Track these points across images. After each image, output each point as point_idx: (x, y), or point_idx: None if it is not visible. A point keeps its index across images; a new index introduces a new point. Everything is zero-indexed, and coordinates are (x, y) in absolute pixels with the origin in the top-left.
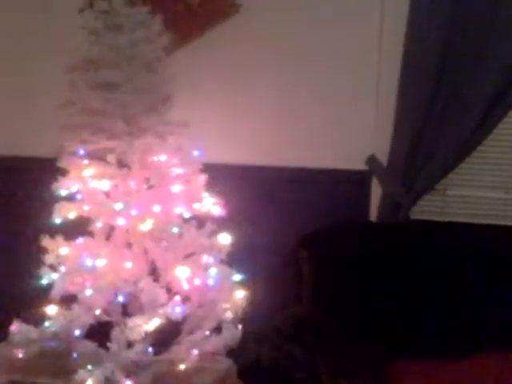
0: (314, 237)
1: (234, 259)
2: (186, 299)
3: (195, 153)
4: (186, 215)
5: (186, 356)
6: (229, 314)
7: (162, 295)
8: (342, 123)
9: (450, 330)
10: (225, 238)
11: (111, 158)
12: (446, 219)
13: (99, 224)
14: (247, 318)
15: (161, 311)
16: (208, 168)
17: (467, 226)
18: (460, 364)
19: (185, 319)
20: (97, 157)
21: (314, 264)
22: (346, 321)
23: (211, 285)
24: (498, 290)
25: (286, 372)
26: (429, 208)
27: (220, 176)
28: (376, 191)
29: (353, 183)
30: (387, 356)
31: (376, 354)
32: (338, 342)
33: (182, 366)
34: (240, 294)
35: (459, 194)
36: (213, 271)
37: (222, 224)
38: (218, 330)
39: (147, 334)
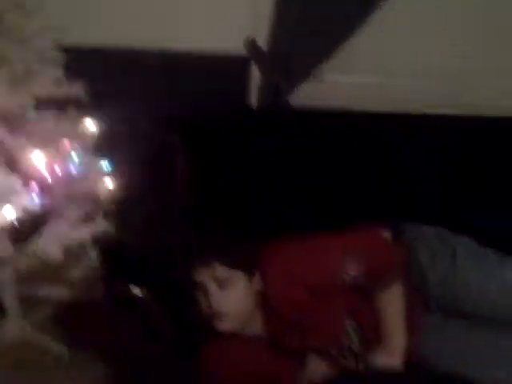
0: (187, 122)
1: (100, 147)
2: (48, 189)
3: None
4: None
5: (50, 249)
6: (97, 205)
7: (17, 184)
8: (220, 4)
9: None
10: (89, 125)
11: None
12: (325, 106)
13: None
14: (118, 208)
15: (16, 201)
16: (68, 49)
17: (345, 113)
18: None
19: (49, 211)
20: None
21: (186, 151)
22: (219, 207)
23: (75, 174)
24: (372, 174)
25: (153, 252)
26: (308, 94)
27: (82, 58)
28: (255, 77)
29: (231, 68)
30: (260, 240)
31: (248, 234)
32: (210, 225)
33: (47, 258)
34: (108, 184)
35: (338, 79)
36: (76, 159)
37: (85, 109)
38: (87, 221)
39: (4, 227)
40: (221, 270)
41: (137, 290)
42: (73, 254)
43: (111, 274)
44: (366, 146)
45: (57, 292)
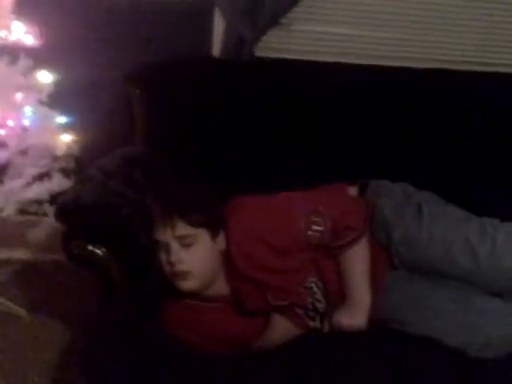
0: (146, 72)
1: (56, 100)
2: (1, 145)
3: None
4: None
5: (4, 207)
6: (54, 161)
7: None
8: None
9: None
10: (44, 76)
11: None
12: (291, 57)
13: None
14: (75, 164)
15: None
16: None
17: (312, 64)
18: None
19: (3, 167)
20: None
21: (146, 102)
22: (180, 162)
23: (30, 128)
24: (338, 126)
25: (111, 208)
26: (273, 45)
27: (37, 2)
28: (219, 25)
29: (193, 14)
30: (223, 194)
31: (210, 191)
32: (171, 182)
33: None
34: (66, 138)
35: (305, 29)
36: (29, 112)
37: (40, 59)
38: (43, 178)
39: None
40: (183, 228)
41: (95, 250)
42: (30, 213)
43: (69, 233)
44: (331, 101)
45: (17, 254)
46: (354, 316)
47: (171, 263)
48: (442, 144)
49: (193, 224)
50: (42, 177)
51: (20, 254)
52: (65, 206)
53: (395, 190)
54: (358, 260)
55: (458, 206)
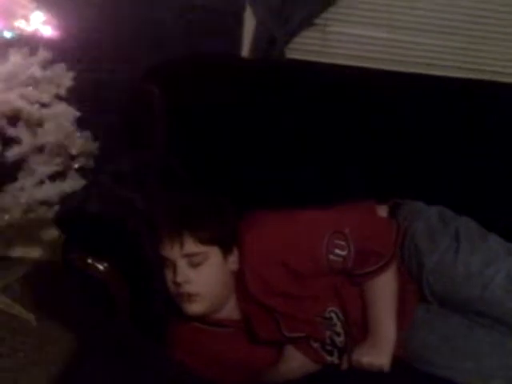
0: (166, 69)
1: (74, 96)
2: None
3: None
4: (7, 35)
5: (12, 205)
6: (68, 160)
7: None
8: None
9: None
10: (63, 70)
11: None
12: (325, 60)
13: None
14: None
15: None
16: None
17: (347, 68)
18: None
19: (16, 165)
20: None
21: (167, 103)
22: (199, 171)
23: (45, 124)
24: (371, 136)
25: (116, 219)
26: (307, 46)
27: None
28: (249, 24)
29: (223, 12)
30: (239, 208)
31: (226, 204)
32: (185, 192)
33: (6, 217)
34: (83, 136)
35: (341, 31)
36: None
37: (59, 52)
38: (56, 178)
39: None
40: (192, 246)
41: (97, 264)
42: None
43: (68, 243)
44: (366, 107)
45: (31, 253)
46: (377, 355)
47: (177, 283)
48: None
49: (203, 241)
50: (56, 176)
51: (34, 253)
52: (66, 214)
53: (431, 213)
54: (384, 290)
55: (500, 235)
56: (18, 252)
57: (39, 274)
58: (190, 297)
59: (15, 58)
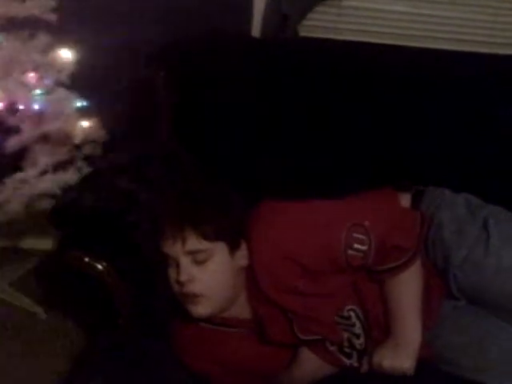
0: (173, 51)
1: (76, 81)
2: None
3: None
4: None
5: (12, 197)
6: (71, 150)
7: None
8: None
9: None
10: (65, 55)
11: None
12: (341, 37)
13: None
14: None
15: None
16: None
17: (365, 46)
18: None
19: (18, 155)
20: None
21: (173, 87)
22: (205, 159)
23: (46, 112)
24: (391, 118)
25: (115, 213)
26: (321, 23)
27: None
28: (259, 5)
29: None
30: (249, 199)
31: (232, 196)
32: (190, 183)
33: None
34: (85, 124)
35: (357, 5)
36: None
37: (60, 36)
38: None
39: None
40: (196, 242)
41: (94, 263)
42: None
43: (64, 241)
44: (384, 87)
45: (42, 244)
46: (400, 357)
47: (180, 283)
48: None
49: (207, 237)
50: (59, 166)
51: (44, 245)
52: (61, 208)
53: (457, 201)
54: (408, 287)
55: None
56: (28, 244)
57: (49, 267)
58: (195, 297)
59: (13, 43)
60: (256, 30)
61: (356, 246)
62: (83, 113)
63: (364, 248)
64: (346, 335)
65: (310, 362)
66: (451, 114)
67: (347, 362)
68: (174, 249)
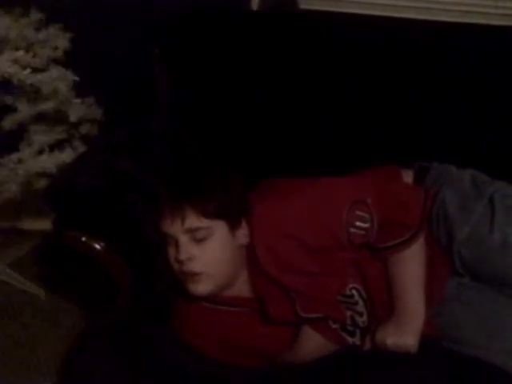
0: (167, 27)
1: (71, 59)
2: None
3: None
4: None
5: (10, 177)
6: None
7: None
8: None
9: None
10: (59, 32)
11: None
12: (344, 10)
13: None
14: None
15: None
16: None
17: (369, 18)
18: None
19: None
20: None
21: (169, 64)
22: (204, 136)
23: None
24: (396, 93)
25: (113, 192)
26: None
27: None
28: None
29: None
30: (250, 177)
31: (233, 172)
32: (188, 161)
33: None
34: (84, 103)
35: None
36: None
37: (54, 12)
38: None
39: None
40: (195, 220)
41: (92, 243)
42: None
43: (60, 221)
44: (390, 61)
45: (41, 225)
46: (403, 334)
47: (180, 261)
48: None
49: (207, 215)
50: (56, 145)
51: (43, 225)
52: (56, 188)
53: (462, 177)
54: (411, 265)
55: None
56: (27, 224)
57: (48, 247)
58: (194, 276)
59: (5, 20)
60: (255, 3)
61: (358, 223)
62: (79, 91)
63: (366, 225)
64: (348, 313)
65: (312, 341)
66: (464, 87)
67: (350, 340)
68: (173, 227)
